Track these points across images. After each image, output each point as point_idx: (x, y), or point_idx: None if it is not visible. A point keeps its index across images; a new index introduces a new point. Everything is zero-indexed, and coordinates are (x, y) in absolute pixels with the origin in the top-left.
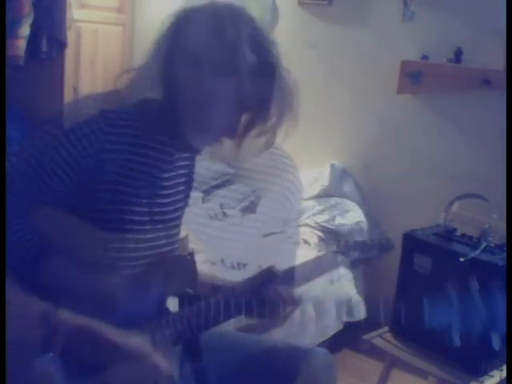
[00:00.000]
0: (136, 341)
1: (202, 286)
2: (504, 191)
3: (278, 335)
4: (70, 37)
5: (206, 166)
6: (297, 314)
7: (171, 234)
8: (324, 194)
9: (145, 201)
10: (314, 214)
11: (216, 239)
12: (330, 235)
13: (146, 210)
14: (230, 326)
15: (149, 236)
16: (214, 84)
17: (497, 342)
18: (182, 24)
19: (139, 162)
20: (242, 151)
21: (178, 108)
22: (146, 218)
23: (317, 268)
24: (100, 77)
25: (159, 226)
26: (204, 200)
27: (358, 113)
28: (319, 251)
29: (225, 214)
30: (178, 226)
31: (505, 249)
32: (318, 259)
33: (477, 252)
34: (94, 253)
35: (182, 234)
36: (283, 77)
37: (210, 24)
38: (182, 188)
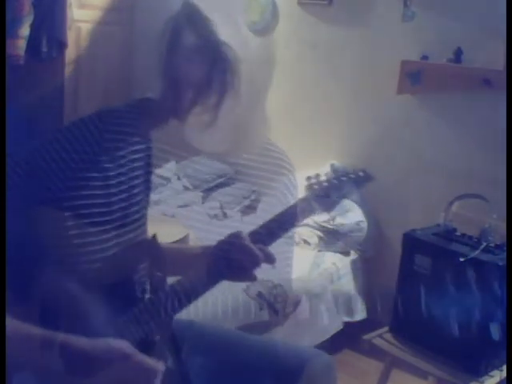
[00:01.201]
0: (115, 343)
1: (172, 259)
2: (504, 191)
3: (279, 335)
4: (70, 37)
5: (205, 166)
6: (297, 313)
7: (135, 219)
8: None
9: (114, 190)
10: None
11: (216, 239)
12: (330, 235)
13: (116, 197)
14: (230, 325)
15: (117, 224)
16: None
17: (497, 341)
18: None
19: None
20: (186, 131)
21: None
22: (115, 207)
23: (290, 218)
24: (100, 77)
25: (125, 213)
26: (204, 200)
27: (358, 113)
28: (319, 251)
29: (225, 214)
30: (142, 210)
31: (505, 249)
32: (290, 208)
33: (477, 252)
34: (65, 242)
35: (182, 233)
36: (222, 53)
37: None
38: (138, 173)
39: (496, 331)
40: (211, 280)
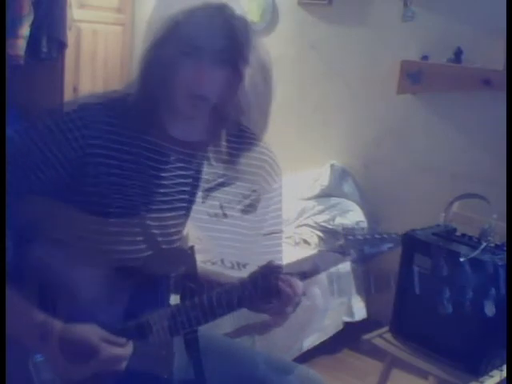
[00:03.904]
0: (82, 331)
1: (207, 282)
2: (504, 191)
3: (279, 335)
4: (70, 37)
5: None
6: (297, 314)
7: (170, 232)
8: (324, 194)
9: (139, 192)
10: (314, 214)
11: (216, 239)
12: (330, 235)
13: (141, 203)
14: (230, 325)
15: (147, 229)
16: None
17: (497, 340)
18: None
19: (126, 152)
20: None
21: (153, 97)
22: (141, 212)
23: (319, 264)
24: (100, 77)
25: (155, 223)
26: (204, 200)
27: (358, 113)
28: (319, 251)
29: (225, 214)
30: (178, 225)
31: (505, 249)
32: (319, 255)
33: (477, 252)
34: (90, 244)
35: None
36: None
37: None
38: (184, 188)
39: (497, 329)
40: (236, 305)
